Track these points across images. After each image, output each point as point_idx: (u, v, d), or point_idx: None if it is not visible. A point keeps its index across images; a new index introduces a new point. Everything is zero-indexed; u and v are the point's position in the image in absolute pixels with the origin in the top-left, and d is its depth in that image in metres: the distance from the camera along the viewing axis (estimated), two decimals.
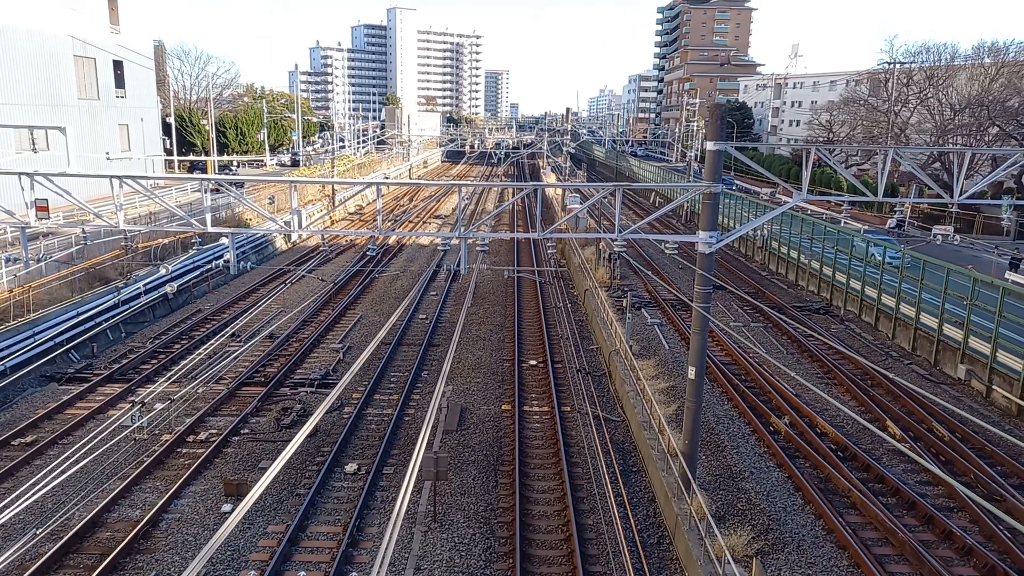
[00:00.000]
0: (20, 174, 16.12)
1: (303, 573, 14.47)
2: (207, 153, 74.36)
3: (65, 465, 14.98)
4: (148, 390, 22.38)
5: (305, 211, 18.06)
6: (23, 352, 23.77)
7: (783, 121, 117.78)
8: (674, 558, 15.08)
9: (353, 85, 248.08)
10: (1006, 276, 30.74)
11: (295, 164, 75.84)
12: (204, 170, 64.33)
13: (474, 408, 22.93)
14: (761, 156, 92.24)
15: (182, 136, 75.89)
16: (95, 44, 47.45)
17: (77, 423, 20.84)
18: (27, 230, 17.78)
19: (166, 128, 64.75)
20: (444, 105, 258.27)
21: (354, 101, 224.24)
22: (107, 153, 47.63)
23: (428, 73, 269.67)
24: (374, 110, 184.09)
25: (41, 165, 25.59)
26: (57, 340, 25.53)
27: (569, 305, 35.48)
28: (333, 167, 68.55)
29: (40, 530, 15.53)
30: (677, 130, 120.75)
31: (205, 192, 18.05)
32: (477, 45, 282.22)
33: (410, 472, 12.79)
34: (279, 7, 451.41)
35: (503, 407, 23.06)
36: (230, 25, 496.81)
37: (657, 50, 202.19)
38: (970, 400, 22.98)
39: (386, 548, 10.02)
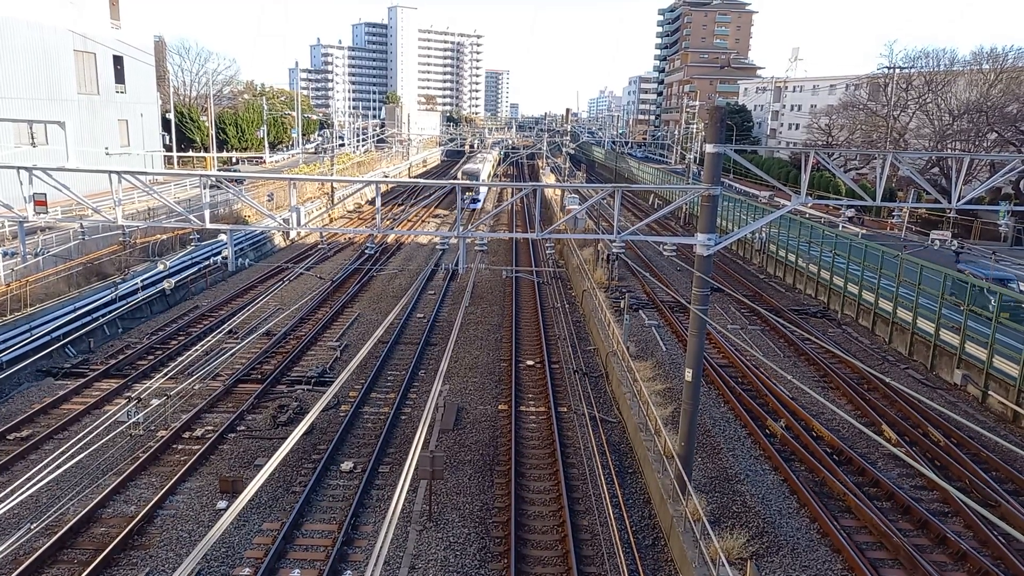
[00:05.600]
0: (19, 168, 16.09)
1: (298, 571, 14.47)
2: (206, 150, 74.27)
3: (60, 460, 14.95)
4: (144, 386, 22.38)
5: (304, 209, 18.06)
6: (19, 346, 23.72)
7: (782, 124, 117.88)
8: (669, 560, 15.10)
9: (353, 83, 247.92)
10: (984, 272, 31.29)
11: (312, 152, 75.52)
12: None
13: (471, 407, 22.94)
14: (760, 159, 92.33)
15: (182, 132, 75.77)
16: (95, 39, 47.36)
17: (73, 418, 20.81)
18: (25, 224, 17.74)
19: (166, 124, 64.63)
20: (444, 104, 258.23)
21: (354, 99, 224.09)
22: (106, 148, 47.53)
23: (428, 72, 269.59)
24: (374, 108, 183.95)
25: (40, 159, 25.49)
26: (54, 335, 25.50)
27: (567, 306, 35.50)
28: (333, 165, 68.51)
29: (35, 525, 15.52)
30: (677, 132, 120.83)
31: (204, 188, 18.04)
32: (478, 45, 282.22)
33: (406, 471, 12.80)
34: (280, 4, 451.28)
35: (500, 407, 23.06)
36: (231, 22, 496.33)
37: (657, 52, 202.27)
38: (966, 405, 23.03)
39: (381, 547, 10.02)
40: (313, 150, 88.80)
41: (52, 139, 40.68)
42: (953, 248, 39.41)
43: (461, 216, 16.68)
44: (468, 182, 16.32)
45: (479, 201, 72.67)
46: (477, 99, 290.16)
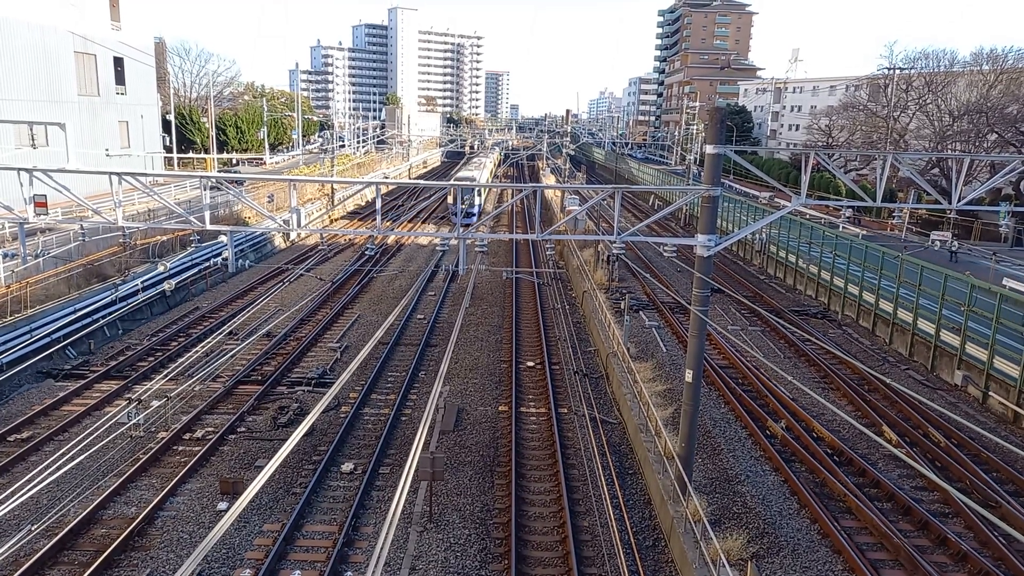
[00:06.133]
0: (19, 169, 16.10)
1: (298, 572, 14.47)
2: (207, 151, 74.33)
3: (61, 462, 14.95)
4: (145, 387, 22.37)
5: (304, 210, 18.06)
6: (20, 348, 23.74)
7: (782, 125, 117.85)
8: (669, 561, 15.09)
9: (353, 84, 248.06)
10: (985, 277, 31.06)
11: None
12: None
13: (471, 409, 22.94)
14: (760, 160, 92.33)
15: (182, 134, 75.81)
16: (96, 40, 47.40)
17: (73, 420, 20.82)
18: (25, 226, 17.75)
19: (166, 125, 64.67)
20: (444, 105, 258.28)
21: (354, 100, 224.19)
22: (107, 150, 47.56)
23: (429, 73, 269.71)
24: (374, 110, 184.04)
25: (40, 161, 25.41)
26: (54, 336, 25.50)
27: (567, 307, 35.49)
28: (333, 166, 68.52)
29: (35, 526, 15.52)
30: (677, 133, 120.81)
31: (204, 190, 18.05)
32: (478, 46, 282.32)
33: (406, 472, 12.79)
34: (280, 4, 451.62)
35: (500, 408, 23.06)
36: (231, 23, 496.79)
37: (658, 53, 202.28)
38: (966, 406, 23.03)
39: (381, 548, 10.01)
40: (318, 150, 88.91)
41: (52, 140, 40.70)
42: (950, 249, 39.64)
43: (461, 217, 16.68)
44: (465, 183, 16.29)
45: (474, 215, 58.15)
46: (477, 100, 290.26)
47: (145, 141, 54.39)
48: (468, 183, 16.54)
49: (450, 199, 58.76)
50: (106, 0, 49.10)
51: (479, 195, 60.79)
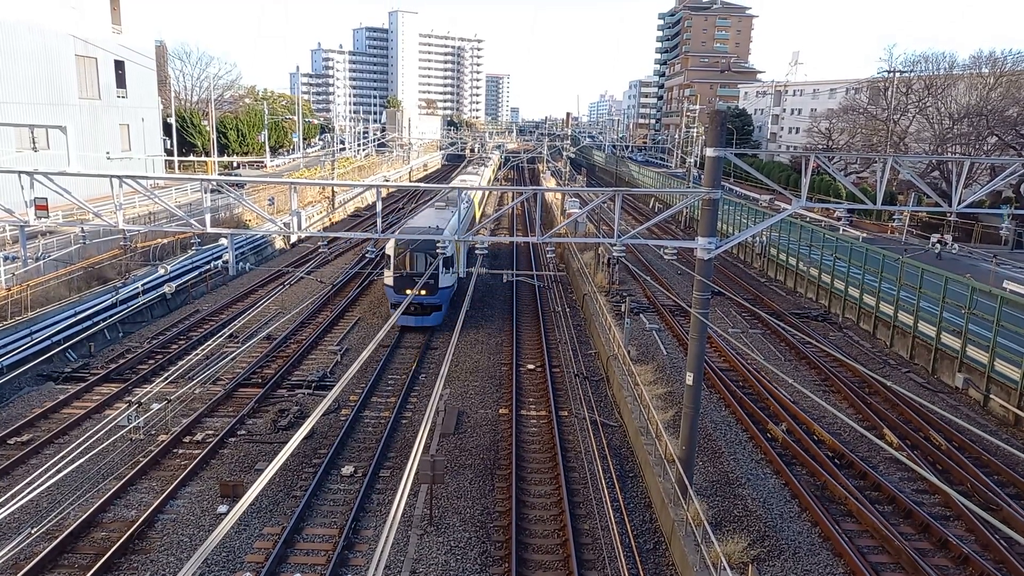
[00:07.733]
0: (20, 172, 16.12)
1: (298, 575, 14.45)
2: (207, 154, 74.39)
3: (61, 464, 14.91)
4: (145, 390, 22.36)
5: (305, 213, 18.07)
6: (20, 351, 23.74)
7: (783, 128, 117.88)
8: (670, 564, 15.07)
9: (354, 87, 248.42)
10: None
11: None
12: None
13: (472, 412, 22.92)
14: (760, 163, 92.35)
15: (183, 137, 75.88)
16: (97, 44, 47.46)
17: (73, 422, 20.81)
18: (26, 228, 17.75)
19: (167, 128, 64.72)
20: (445, 108, 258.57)
21: (355, 103, 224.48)
22: (107, 153, 47.61)
23: (429, 76, 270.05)
24: (375, 113, 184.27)
25: (41, 164, 25.48)
26: (54, 339, 25.51)
27: (568, 309, 35.48)
28: (334, 169, 68.56)
29: (35, 529, 15.50)
30: (677, 136, 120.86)
31: (205, 192, 18.06)
32: (478, 49, 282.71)
33: (407, 475, 12.76)
34: (280, 4, 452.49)
35: (501, 411, 23.04)
36: (232, 26, 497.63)
37: (658, 56, 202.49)
38: (967, 409, 23.00)
39: (382, 551, 9.99)
40: (322, 148, 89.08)
41: (54, 143, 40.75)
42: (939, 251, 39.69)
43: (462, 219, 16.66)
44: (461, 185, 16.32)
45: (440, 310, 31.53)
46: (478, 103, 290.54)
47: (146, 144, 54.43)
48: (471, 187, 16.44)
49: (387, 279, 32.01)
50: (107, 3, 49.18)
51: (450, 265, 31.62)
